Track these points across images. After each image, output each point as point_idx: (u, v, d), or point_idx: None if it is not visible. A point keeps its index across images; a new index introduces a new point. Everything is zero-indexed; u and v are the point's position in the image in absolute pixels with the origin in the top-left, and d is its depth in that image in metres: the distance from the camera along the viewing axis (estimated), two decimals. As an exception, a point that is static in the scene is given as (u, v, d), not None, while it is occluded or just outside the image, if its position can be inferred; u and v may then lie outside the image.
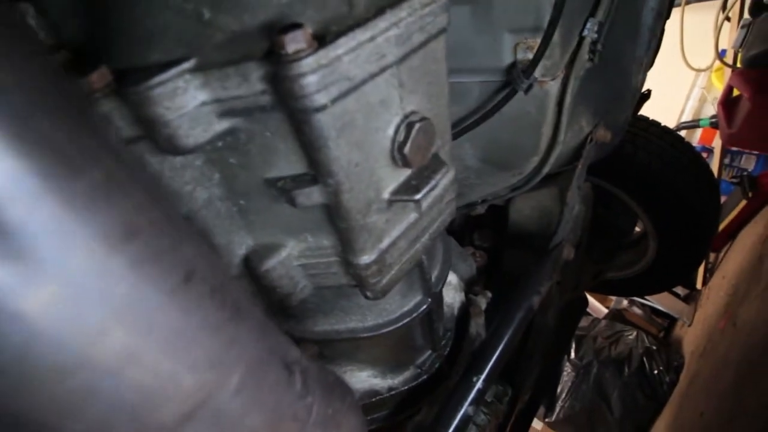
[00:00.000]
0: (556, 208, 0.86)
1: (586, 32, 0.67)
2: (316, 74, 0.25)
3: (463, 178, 0.94)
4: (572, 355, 2.87)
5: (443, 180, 0.41)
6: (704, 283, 2.85)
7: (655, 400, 2.62)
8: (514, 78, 0.65)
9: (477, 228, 1.33)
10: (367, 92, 0.30)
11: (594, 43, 0.68)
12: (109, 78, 0.28)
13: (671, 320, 3.31)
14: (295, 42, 0.24)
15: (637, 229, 1.84)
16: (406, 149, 0.34)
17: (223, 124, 0.30)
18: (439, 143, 0.41)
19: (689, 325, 2.87)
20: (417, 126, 0.34)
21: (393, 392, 0.70)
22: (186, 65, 0.27)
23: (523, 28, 0.63)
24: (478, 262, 1.05)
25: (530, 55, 0.65)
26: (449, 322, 0.79)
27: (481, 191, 0.98)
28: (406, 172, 0.38)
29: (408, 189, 0.37)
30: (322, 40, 0.26)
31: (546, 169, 0.80)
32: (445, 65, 0.37)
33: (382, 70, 0.30)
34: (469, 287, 0.99)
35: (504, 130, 0.77)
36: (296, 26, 0.24)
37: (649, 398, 2.64)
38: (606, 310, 3.51)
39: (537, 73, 0.65)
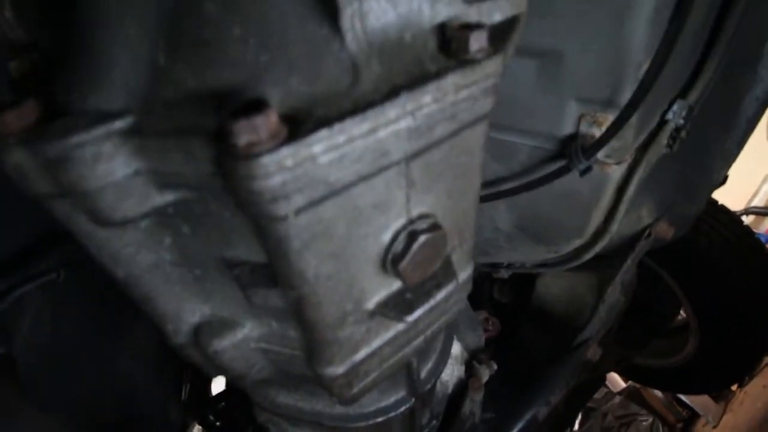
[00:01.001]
0: (590, 300, 0.74)
1: (670, 116, 0.56)
2: (275, 178, 0.18)
3: (491, 239, 0.84)
4: (576, 427, 2.67)
5: (448, 289, 0.32)
6: (741, 385, 2.57)
7: (659, 499, 2.38)
8: (571, 154, 0.55)
9: (498, 282, 1.22)
10: (356, 196, 0.22)
11: (677, 129, 0.57)
12: (32, 119, 0.21)
13: (693, 413, 3.02)
14: (249, 131, 0.16)
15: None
16: (403, 265, 0.26)
17: (166, 197, 0.23)
18: (456, 243, 0.32)
19: (714, 427, 2.59)
20: (422, 238, 0.25)
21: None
22: (119, 124, 0.20)
23: (594, 99, 0.53)
24: (489, 332, 0.95)
25: (595, 131, 0.55)
26: (439, 406, 0.69)
27: (508, 256, 0.87)
28: (400, 283, 0.30)
29: (398, 305, 0.29)
30: (296, 127, 0.18)
31: (588, 256, 0.69)
32: (481, 156, 0.29)
33: (382, 170, 0.21)
34: (474, 355, 0.89)
35: (548, 203, 0.67)
36: (257, 106, 0.17)
37: (651, 494, 2.40)
38: (624, 385, 3.25)
39: (600, 153, 0.54)
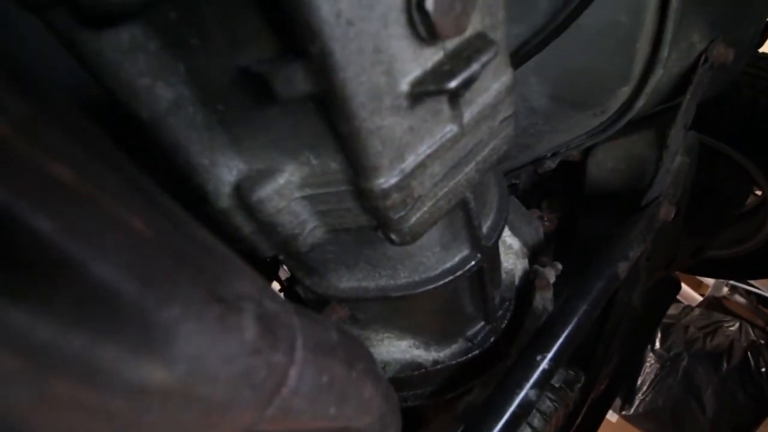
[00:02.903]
0: (652, 156, 0.68)
1: None
2: None
3: (528, 126, 0.79)
4: (657, 345, 2.56)
5: (495, 79, 0.29)
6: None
7: (761, 401, 2.25)
8: (600, -30, 0.49)
9: (546, 196, 1.16)
10: None
11: None
12: None
13: (784, 312, 2.82)
14: None
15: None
16: (429, 3, 0.22)
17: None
18: (485, 16, 0.29)
19: (811, 317, 2.40)
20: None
21: (439, 366, 0.59)
22: None
23: None
24: (546, 227, 0.90)
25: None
26: (508, 292, 0.66)
27: (550, 141, 0.81)
28: (436, 54, 0.26)
29: (437, 75, 0.26)
30: None
31: (640, 103, 0.62)
32: None
33: None
34: (535, 256, 0.84)
35: (583, 53, 0.60)
36: None
37: (752, 398, 2.28)
38: (700, 298, 3.08)
39: (633, -41, 0.48)
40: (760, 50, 1.23)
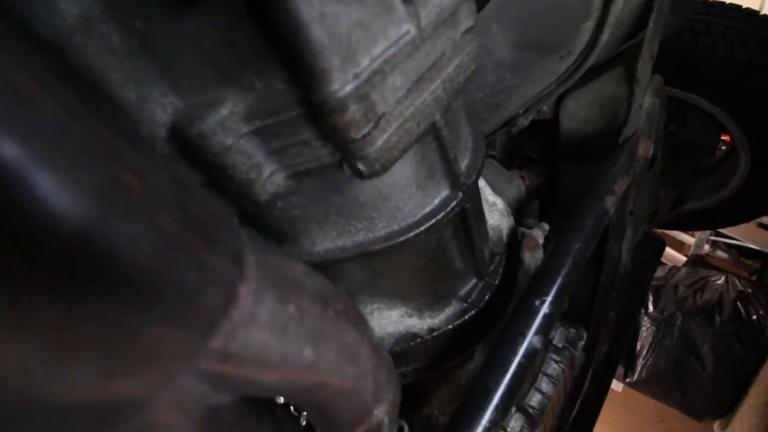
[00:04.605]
0: (623, 93, 0.66)
1: None
2: None
3: (496, 81, 0.77)
4: (650, 308, 2.59)
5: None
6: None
7: (756, 349, 2.29)
8: None
9: (524, 164, 1.14)
10: None
11: None
12: None
13: (765, 259, 2.91)
14: None
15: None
16: None
17: None
18: None
19: (792, 262, 2.47)
20: None
21: (435, 333, 0.55)
22: None
23: None
24: (527, 185, 0.88)
25: None
26: (497, 247, 0.63)
27: (521, 95, 0.79)
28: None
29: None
30: None
31: (605, 36, 0.60)
32: None
33: None
34: (520, 215, 0.82)
35: (542, -9, 0.59)
36: None
37: (747, 347, 2.32)
38: (684, 258, 3.14)
39: None
40: (711, -1, 1.25)
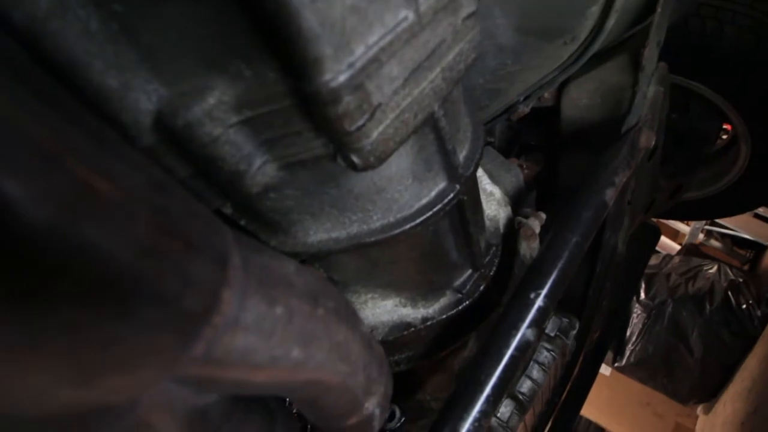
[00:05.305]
0: (627, 81, 0.65)
1: None
2: None
3: (497, 67, 0.75)
4: (642, 295, 2.62)
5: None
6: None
7: (744, 337, 2.33)
8: None
9: (523, 151, 1.13)
10: None
11: None
12: None
13: (757, 249, 2.93)
14: None
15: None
16: None
17: None
18: None
19: (785, 253, 2.49)
20: None
21: (429, 323, 0.55)
22: None
23: None
24: (526, 174, 0.87)
25: None
26: (494, 238, 0.63)
27: (522, 82, 0.77)
28: None
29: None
30: None
31: (611, 22, 0.58)
32: None
33: None
34: (517, 204, 0.81)
35: (547, -27, 0.56)
36: None
37: (736, 335, 2.36)
38: (678, 247, 3.16)
39: None
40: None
